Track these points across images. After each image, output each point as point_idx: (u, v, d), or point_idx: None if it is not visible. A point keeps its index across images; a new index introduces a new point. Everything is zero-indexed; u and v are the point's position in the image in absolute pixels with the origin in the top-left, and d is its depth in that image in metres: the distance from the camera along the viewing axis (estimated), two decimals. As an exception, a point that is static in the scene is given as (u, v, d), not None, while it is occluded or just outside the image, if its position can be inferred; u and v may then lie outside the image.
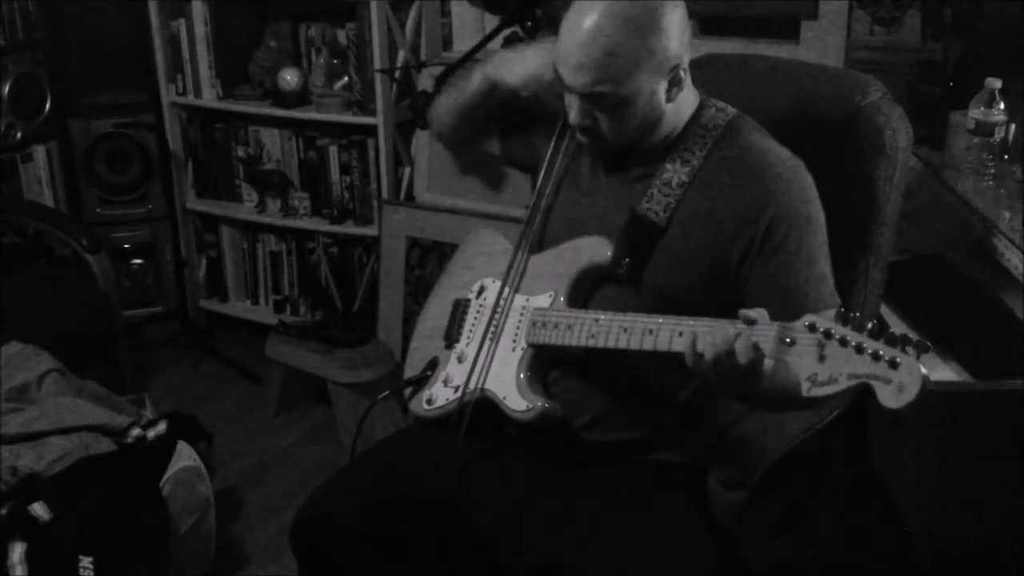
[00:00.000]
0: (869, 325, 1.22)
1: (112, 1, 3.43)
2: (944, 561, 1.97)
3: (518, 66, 1.70)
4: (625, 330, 1.49)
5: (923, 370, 1.16)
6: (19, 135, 3.28)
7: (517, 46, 1.75)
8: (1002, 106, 2.24)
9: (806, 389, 1.25)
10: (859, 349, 1.21)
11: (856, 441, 2.06)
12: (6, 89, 3.21)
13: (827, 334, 1.24)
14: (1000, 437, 1.85)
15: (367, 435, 1.94)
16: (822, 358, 1.24)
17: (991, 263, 2.07)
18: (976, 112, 2.25)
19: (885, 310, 1.99)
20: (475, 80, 1.76)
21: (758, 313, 1.33)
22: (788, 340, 1.28)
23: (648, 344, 1.46)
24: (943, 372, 1.88)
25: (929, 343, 1.19)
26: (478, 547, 1.64)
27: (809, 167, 1.58)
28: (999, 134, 2.26)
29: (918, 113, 2.41)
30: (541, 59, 1.67)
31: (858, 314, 1.24)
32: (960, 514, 1.95)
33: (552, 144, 1.71)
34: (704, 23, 3.03)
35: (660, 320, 1.45)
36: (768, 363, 1.31)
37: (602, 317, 1.53)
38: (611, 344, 1.50)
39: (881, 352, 1.19)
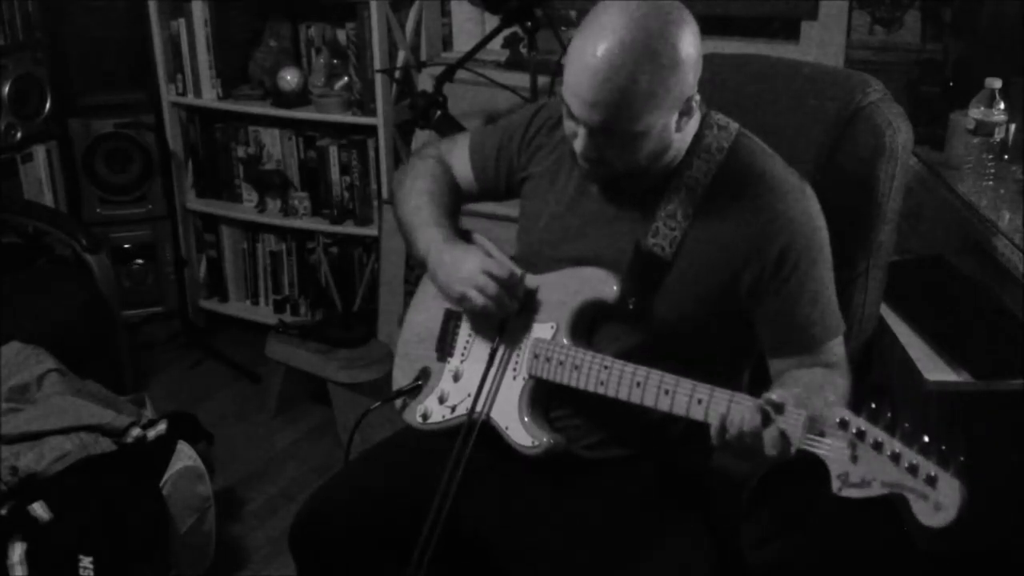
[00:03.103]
0: (901, 428, 1.19)
1: (112, 1, 3.42)
2: (944, 561, 1.97)
3: (450, 284, 1.62)
4: (638, 385, 1.46)
5: (963, 490, 1.13)
6: (19, 135, 3.28)
7: (453, 252, 1.64)
8: (1002, 106, 2.24)
9: (836, 488, 1.24)
10: (895, 458, 1.18)
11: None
12: (6, 89, 3.21)
13: (860, 435, 1.21)
14: (1000, 437, 1.85)
15: (367, 436, 1.93)
16: (854, 458, 1.22)
17: (991, 263, 2.07)
18: (976, 112, 2.25)
19: (885, 310, 1.99)
20: (417, 249, 1.71)
21: (781, 396, 1.31)
22: (817, 432, 1.26)
23: (664, 405, 1.44)
24: (943, 372, 1.88)
25: (963, 456, 1.15)
26: (477, 550, 1.63)
27: (809, 168, 1.58)
28: (999, 134, 2.26)
29: (918, 113, 2.41)
30: (472, 284, 1.59)
31: (891, 414, 1.21)
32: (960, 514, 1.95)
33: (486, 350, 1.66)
34: (704, 23, 3.02)
35: (676, 381, 1.43)
36: (793, 450, 1.29)
37: (612, 364, 1.49)
38: (623, 396, 1.48)
39: (917, 464, 1.16)
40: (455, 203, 1.79)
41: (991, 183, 2.26)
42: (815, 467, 1.27)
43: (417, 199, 1.76)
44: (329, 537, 1.66)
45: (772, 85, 1.83)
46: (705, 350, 1.54)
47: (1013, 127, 2.30)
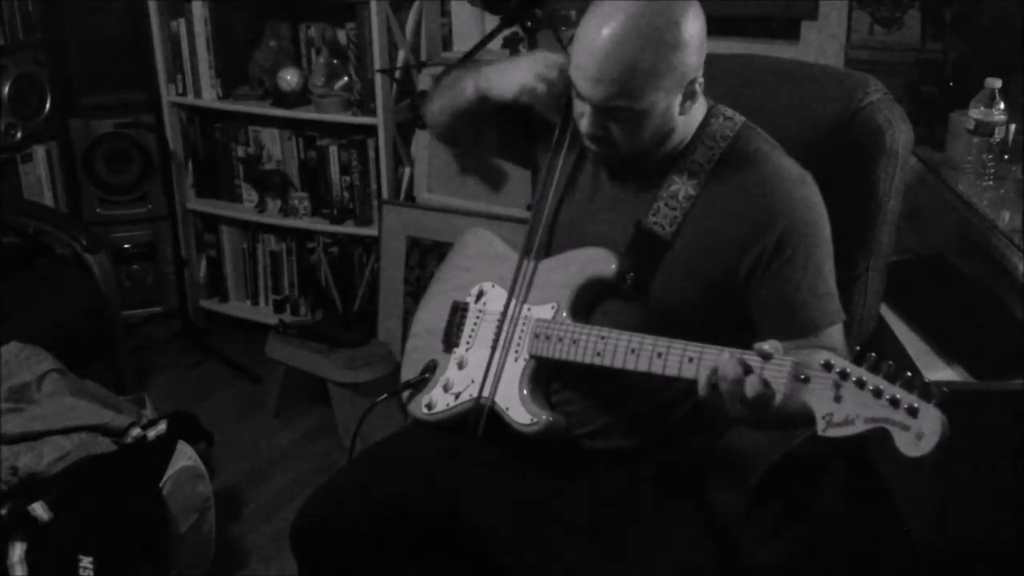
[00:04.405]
0: (885, 367, 1.21)
1: (112, 1, 3.43)
2: (944, 561, 1.97)
3: (509, 81, 1.65)
4: (633, 351, 1.47)
5: (943, 419, 1.15)
6: (19, 135, 3.28)
7: (504, 60, 1.72)
8: (1002, 106, 2.24)
9: (821, 428, 1.24)
10: (877, 393, 1.20)
11: (856, 441, 2.06)
12: (6, 89, 3.21)
13: (843, 374, 1.23)
14: (1000, 437, 1.85)
15: (367, 435, 1.93)
16: (838, 398, 1.23)
17: (991, 263, 2.07)
18: (976, 112, 2.25)
19: (885, 310, 1.99)
20: (467, 90, 1.73)
21: (772, 346, 1.32)
22: (803, 377, 1.27)
23: (657, 367, 1.45)
24: (943, 372, 1.88)
25: (946, 388, 1.18)
26: (477, 548, 1.64)
27: (809, 167, 1.58)
28: (999, 134, 2.26)
29: (918, 113, 2.41)
30: (533, 73, 1.62)
31: (874, 354, 1.22)
32: (960, 514, 1.95)
33: (551, 153, 1.68)
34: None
35: (669, 343, 1.44)
36: (779, 397, 1.30)
37: (608, 334, 1.51)
38: (618, 364, 1.49)
39: (899, 397, 1.18)
40: None
41: (991, 183, 2.26)
42: (814, 467, 1.27)
43: (458, 69, 1.81)
44: (329, 537, 1.66)
45: (772, 85, 1.83)
46: (705, 333, 1.54)
47: (1013, 127, 2.30)
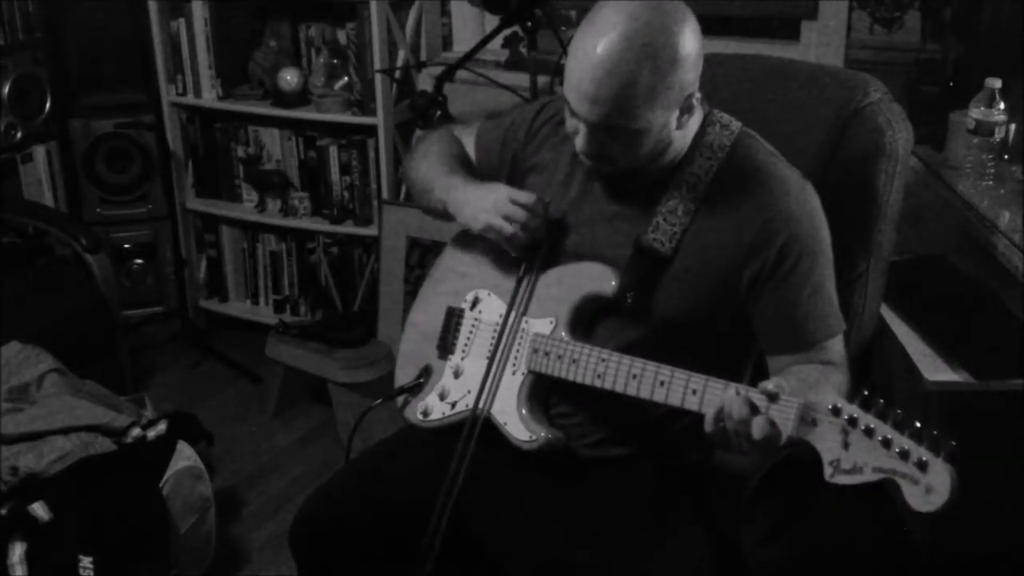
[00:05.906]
0: (893, 414, 1.20)
1: (112, 1, 3.43)
2: (944, 561, 1.97)
3: (475, 217, 1.64)
4: (635, 377, 1.46)
5: (952, 473, 1.14)
6: (19, 135, 3.28)
7: (472, 186, 1.69)
8: (1002, 106, 2.24)
9: (828, 474, 1.24)
10: (886, 443, 1.18)
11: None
12: (6, 89, 3.21)
13: (852, 421, 1.22)
14: (1000, 437, 1.85)
15: (367, 435, 1.93)
16: (846, 445, 1.22)
17: (991, 263, 2.07)
18: (976, 112, 2.25)
19: (885, 310, 1.99)
20: (438, 208, 1.73)
21: (777, 385, 1.31)
22: (810, 420, 1.27)
23: (659, 396, 1.44)
24: (943, 372, 1.88)
25: (954, 442, 1.16)
26: (476, 550, 1.63)
27: (809, 168, 1.58)
28: (999, 134, 2.26)
29: (918, 113, 2.41)
30: (500, 213, 1.60)
31: (883, 400, 1.22)
32: (960, 514, 1.95)
33: (518, 279, 1.66)
34: (704, 23, 3.02)
35: (671, 372, 1.43)
36: (784, 438, 1.30)
37: (609, 357, 1.50)
38: (619, 388, 1.48)
39: (909, 450, 1.17)
40: (469, 169, 1.80)
41: (991, 183, 2.26)
42: (814, 467, 1.27)
43: (432, 160, 1.79)
44: (329, 537, 1.66)
45: (772, 85, 1.83)
46: (706, 347, 1.54)
47: (1013, 127, 2.30)
